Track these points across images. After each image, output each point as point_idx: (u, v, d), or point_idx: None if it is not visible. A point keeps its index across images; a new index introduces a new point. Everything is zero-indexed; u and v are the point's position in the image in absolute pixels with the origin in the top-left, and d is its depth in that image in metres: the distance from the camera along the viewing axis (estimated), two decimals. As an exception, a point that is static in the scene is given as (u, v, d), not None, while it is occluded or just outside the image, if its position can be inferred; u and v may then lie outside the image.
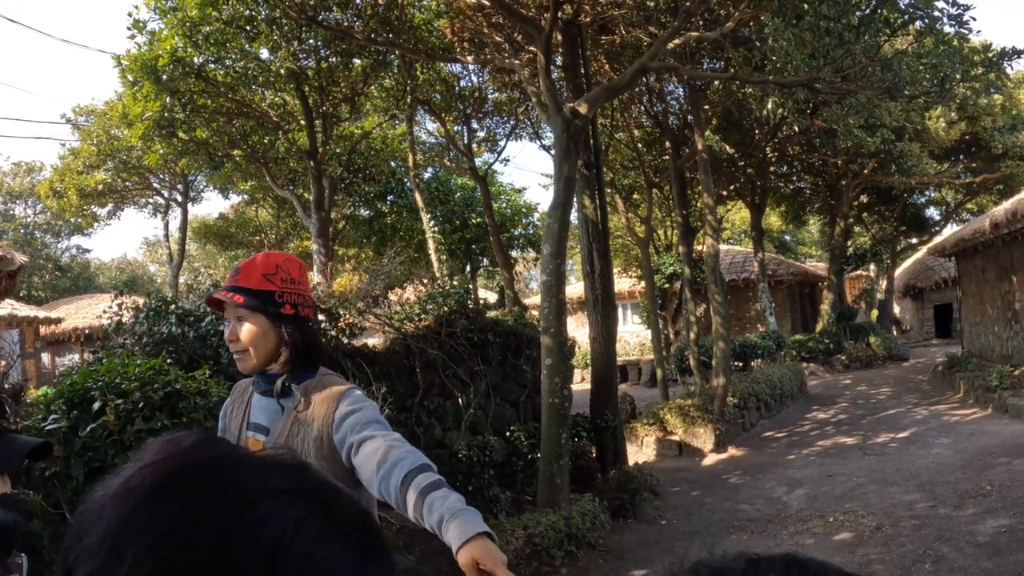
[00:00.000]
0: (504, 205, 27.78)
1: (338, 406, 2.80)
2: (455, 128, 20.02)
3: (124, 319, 8.47)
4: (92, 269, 54.60)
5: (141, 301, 8.60)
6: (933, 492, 10.21)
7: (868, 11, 10.63)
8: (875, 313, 38.34)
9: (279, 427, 2.89)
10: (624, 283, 31.33)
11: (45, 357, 24.83)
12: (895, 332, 38.71)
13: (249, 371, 2.93)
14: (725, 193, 26.32)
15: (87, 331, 24.69)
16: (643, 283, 23.73)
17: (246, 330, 2.86)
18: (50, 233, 45.58)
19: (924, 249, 36.18)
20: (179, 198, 31.43)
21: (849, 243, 33.84)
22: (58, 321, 24.63)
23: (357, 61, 16.45)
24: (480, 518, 2.21)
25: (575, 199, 11.41)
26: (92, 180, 26.56)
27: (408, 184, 23.37)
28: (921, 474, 11.33)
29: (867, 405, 19.14)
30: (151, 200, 33.18)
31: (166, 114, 14.99)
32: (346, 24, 14.41)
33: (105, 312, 8.76)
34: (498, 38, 14.19)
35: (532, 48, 12.28)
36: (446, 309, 10.73)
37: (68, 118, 28.53)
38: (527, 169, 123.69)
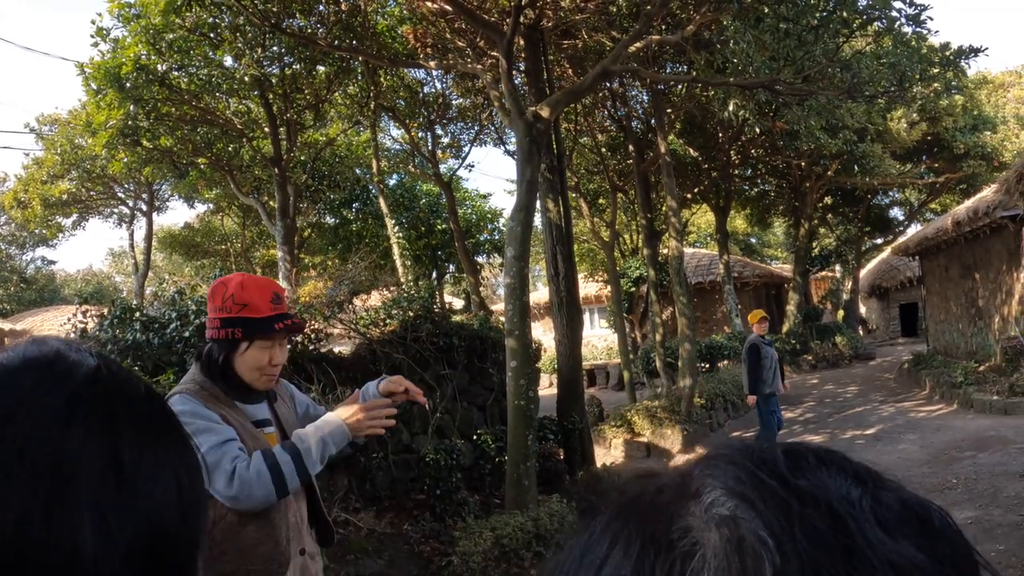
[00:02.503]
0: (469, 211, 27.76)
1: (289, 388, 3.55)
2: (419, 134, 20.00)
3: (89, 327, 8.44)
4: (57, 281, 54.10)
5: (106, 310, 8.57)
6: None
7: (827, 12, 10.73)
8: (841, 313, 38.58)
9: (278, 418, 3.31)
10: (590, 287, 31.41)
11: (10, 370, 24.55)
12: (861, 332, 39.01)
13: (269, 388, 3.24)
14: (689, 196, 26.42)
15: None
16: (609, 287, 23.80)
17: (285, 354, 3.19)
18: (15, 245, 45.09)
19: (888, 249, 36.60)
20: (144, 208, 31.23)
21: (814, 244, 34.09)
22: (23, 333, 24.40)
23: (321, 68, 16.42)
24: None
25: (539, 203, 11.45)
26: (56, 190, 26.34)
27: (373, 191, 23.29)
28: (888, 470, 11.21)
29: (834, 404, 19.26)
30: (116, 210, 32.94)
31: (130, 122, 14.91)
32: (309, 31, 14.39)
33: (70, 320, 8.72)
34: (461, 43, 14.22)
35: (495, 53, 12.32)
36: (411, 314, 10.73)
37: (32, 127, 28.34)
38: (492, 175, 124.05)
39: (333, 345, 10.88)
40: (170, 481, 0.71)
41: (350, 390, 8.56)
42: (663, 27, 13.64)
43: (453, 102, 19.31)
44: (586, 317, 26.80)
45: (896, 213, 40.54)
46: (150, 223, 31.01)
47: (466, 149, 21.79)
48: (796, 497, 0.54)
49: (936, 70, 11.90)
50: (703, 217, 41.16)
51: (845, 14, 10.70)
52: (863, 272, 41.28)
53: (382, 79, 17.14)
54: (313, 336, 9.57)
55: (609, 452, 15.07)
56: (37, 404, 0.67)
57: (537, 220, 11.53)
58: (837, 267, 40.53)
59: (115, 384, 0.75)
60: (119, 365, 0.78)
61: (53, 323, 25.75)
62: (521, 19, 11.00)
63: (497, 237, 28.11)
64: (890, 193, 36.87)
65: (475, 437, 10.89)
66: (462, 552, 7.85)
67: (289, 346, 3.56)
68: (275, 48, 15.23)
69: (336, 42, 14.01)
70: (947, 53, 11.89)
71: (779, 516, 0.52)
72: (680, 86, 17.84)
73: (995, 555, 7.29)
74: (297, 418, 3.38)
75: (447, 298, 28.21)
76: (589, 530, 0.61)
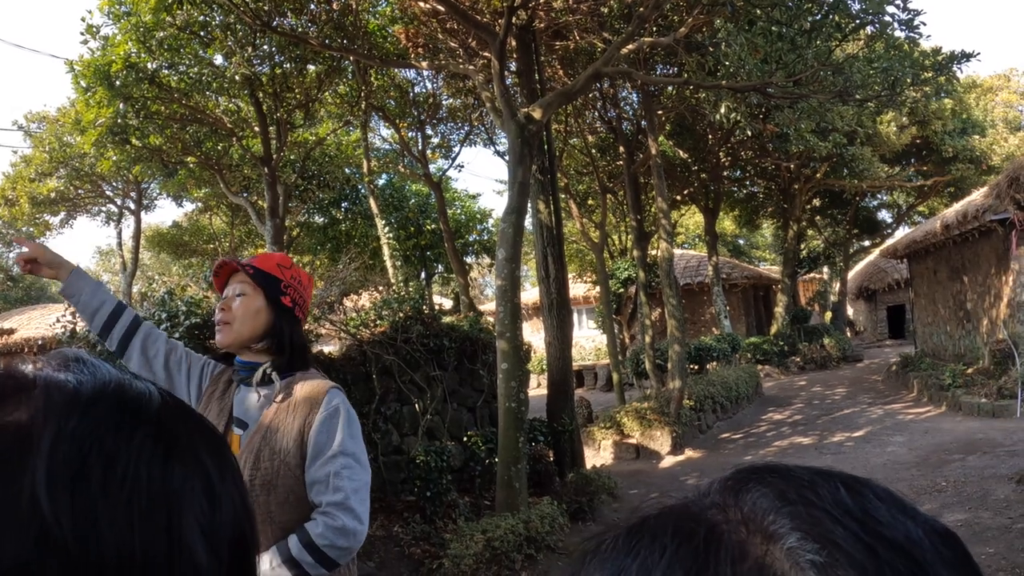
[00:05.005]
0: (459, 211, 27.77)
1: (321, 407, 2.83)
2: (409, 134, 19.98)
3: (78, 328, 8.39)
4: (45, 279, 53.80)
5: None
6: None
7: (820, 16, 10.73)
8: (829, 315, 38.70)
9: (258, 420, 2.90)
10: (579, 288, 31.46)
11: (-4, 368, 24.44)
12: (849, 333, 39.14)
13: (225, 345, 2.96)
14: (679, 198, 26.47)
15: (40, 341, 24.35)
16: (598, 288, 23.80)
17: (242, 302, 2.94)
18: (1, 242, 44.88)
19: (877, 251, 36.74)
20: (132, 206, 31.04)
21: (802, 246, 34.16)
22: (10, 332, 24.30)
23: (311, 67, 16.36)
24: None
25: (530, 204, 11.44)
26: (44, 188, 26.19)
27: (363, 191, 23.27)
28: (877, 472, 11.45)
29: (822, 406, 19.31)
30: (104, 208, 32.73)
31: (119, 120, 14.84)
32: (300, 30, 14.35)
33: (59, 321, 8.66)
34: (452, 44, 14.20)
35: (486, 54, 12.31)
36: (401, 315, 10.71)
37: (20, 125, 28.13)
38: (481, 175, 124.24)
39: (323, 345, 10.87)
40: (238, 492, 0.76)
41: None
42: (655, 29, 13.65)
43: (443, 102, 19.28)
44: (575, 318, 26.82)
45: (884, 216, 40.73)
46: (138, 222, 30.86)
47: (456, 149, 21.80)
48: (878, 541, 0.54)
49: (928, 74, 11.91)
50: (692, 218, 41.24)
51: (838, 18, 10.71)
52: (851, 274, 41.46)
53: (373, 79, 17.11)
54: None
55: (598, 453, 15.07)
56: (134, 438, 0.70)
57: (528, 222, 11.52)
58: (825, 269, 40.69)
59: (183, 410, 0.78)
60: (164, 388, 0.80)
61: (40, 322, 25.63)
62: (513, 20, 10.99)
63: (486, 237, 28.13)
64: (878, 196, 37.03)
65: (465, 439, 10.89)
66: (453, 555, 7.84)
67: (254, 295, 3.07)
68: (266, 47, 15.17)
69: (327, 41, 13.97)
70: (939, 58, 11.92)
71: (870, 562, 0.52)
72: (671, 88, 17.86)
73: (985, 558, 7.32)
74: (302, 441, 2.79)
75: (436, 298, 28.17)
76: (638, 554, 0.59)
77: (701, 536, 0.57)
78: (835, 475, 0.62)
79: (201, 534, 0.68)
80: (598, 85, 17.10)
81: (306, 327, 9.44)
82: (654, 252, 21.86)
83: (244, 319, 2.92)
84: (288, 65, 15.83)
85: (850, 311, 44.79)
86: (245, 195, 20.81)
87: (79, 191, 28.82)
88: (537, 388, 23.94)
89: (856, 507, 0.57)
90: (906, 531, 0.56)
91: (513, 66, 13.24)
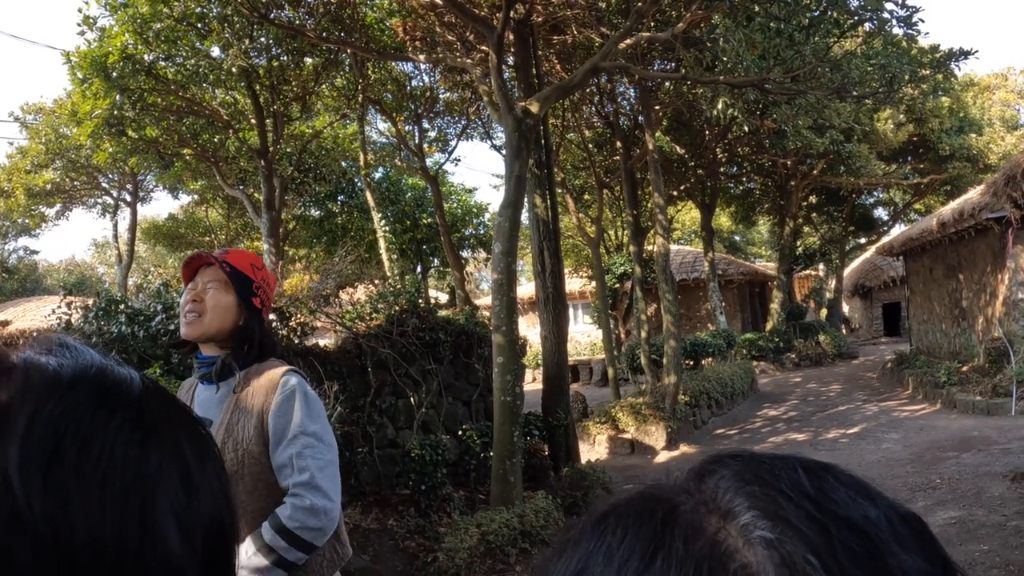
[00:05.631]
0: (455, 205, 27.72)
1: (277, 391, 2.84)
2: (406, 128, 19.95)
3: (73, 320, 8.38)
4: (40, 271, 53.75)
5: (91, 301, 8.50)
6: (884, 486, 10.02)
7: (818, 12, 10.73)
8: (824, 312, 38.74)
9: (220, 415, 2.89)
10: (575, 283, 31.45)
11: (-9, 360, 24.37)
12: (844, 331, 39.18)
13: (193, 337, 2.92)
14: (675, 193, 26.47)
15: (35, 333, 24.32)
16: (594, 283, 23.85)
17: (214, 296, 2.92)
18: (-3, 235, 44.82)
19: (872, 249, 36.81)
20: (128, 198, 30.98)
21: (798, 243, 34.19)
22: (5, 324, 24.18)
23: (308, 60, 16.34)
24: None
25: (526, 198, 11.42)
26: (40, 179, 26.12)
27: (359, 184, 23.23)
28: (872, 468, 11.47)
29: (817, 402, 19.34)
30: (100, 200, 32.69)
31: (116, 112, 14.78)
32: (298, 22, 14.33)
33: (54, 312, 8.64)
34: (450, 37, 14.18)
35: (484, 47, 12.30)
36: (397, 308, 10.70)
37: (16, 116, 28.04)
38: (478, 169, 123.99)
39: (318, 338, 10.85)
40: (217, 481, 0.75)
41: (337, 384, 8.56)
42: (653, 24, 13.64)
43: (440, 96, 19.27)
44: (570, 313, 26.81)
45: (880, 213, 40.80)
46: (134, 214, 30.78)
47: (452, 143, 21.78)
48: (832, 519, 0.55)
49: (926, 72, 11.92)
50: (688, 214, 41.25)
51: (837, 15, 10.71)
52: (847, 271, 41.46)
53: (370, 72, 17.09)
54: (299, 329, 9.53)
55: (593, 448, 15.07)
56: (111, 422, 0.69)
57: (524, 216, 11.51)
58: (821, 266, 40.72)
59: (164, 396, 0.78)
60: (146, 374, 0.79)
61: (35, 313, 25.53)
62: (511, 13, 10.98)
63: (482, 231, 28.09)
64: (875, 193, 37.09)
65: (460, 432, 10.88)
66: (448, 548, 7.84)
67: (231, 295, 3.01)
68: (263, 39, 15.13)
69: (324, 34, 13.95)
70: (937, 55, 11.92)
71: (820, 539, 0.53)
72: (668, 83, 17.85)
73: (979, 555, 7.32)
74: (262, 429, 2.81)
75: (432, 292, 28.19)
76: (604, 538, 0.60)
77: (659, 516, 0.58)
78: (796, 459, 0.63)
79: (176, 522, 0.68)
80: (595, 80, 17.08)
81: (302, 320, 9.45)
82: (650, 247, 21.93)
83: (215, 313, 2.91)
84: (285, 57, 15.81)
85: (846, 308, 44.83)
86: (241, 188, 20.78)
87: (75, 183, 28.79)
88: (532, 383, 23.93)
89: (813, 488, 0.58)
90: (863, 512, 0.57)
91: (511, 60, 13.24)
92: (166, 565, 0.66)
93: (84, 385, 0.71)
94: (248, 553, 2.65)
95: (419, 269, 27.05)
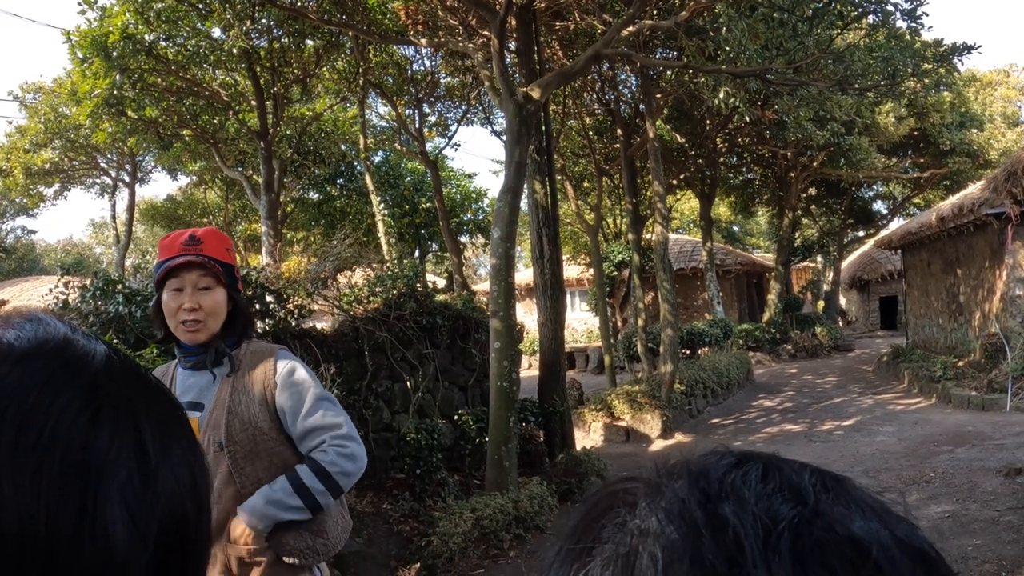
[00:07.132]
0: (454, 190, 27.72)
1: (276, 368, 2.91)
2: (406, 112, 19.93)
3: (70, 299, 8.35)
4: (37, 251, 53.68)
5: (88, 282, 8.47)
6: (878, 478, 10.35)
7: (822, 4, 10.71)
8: (821, 304, 38.80)
9: (213, 398, 2.89)
10: (573, 270, 31.46)
11: (-13, 339, 24.35)
12: (841, 323, 39.22)
13: (200, 343, 2.89)
14: (675, 182, 26.45)
15: (11, 309, 24.24)
16: (592, 270, 23.80)
17: (212, 300, 2.87)
18: (-5, 214, 44.70)
19: (871, 242, 36.82)
20: (127, 178, 30.89)
21: (797, 235, 34.20)
22: (2, 303, 24.22)
23: (310, 42, 16.31)
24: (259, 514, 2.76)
25: (526, 184, 11.40)
26: (39, 159, 26.03)
27: (358, 167, 23.21)
28: (866, 461, 11.48)
29: (813, 394, 19.36)
30: (98, 180, 32.59)
31: (115, 92, 14.75)
32: (299, 4, 14.30)
33: (51, 292, 8.61)
34: (452, 21, 14.16)
35: (486, 32, 12.27)
36: (395, 292, 10.68)
37: (15, 95, 27.91)
38: (477, 155, 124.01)
39: (315, 321, 10.84)
40: (185, 470, 0.71)
41: (333, 367, 8.55)
42: (656, 12, 13.61)
43: (441, 80, 19.25)
44: (568, 300, 26.84)
45: (879, 207, 40.78)
46: (132, 194, 30.69)
47: (453, 128, 21.77)
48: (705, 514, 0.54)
49: (929, 65, 11.89)
50: (687, 203, 41.21)
51: (840, 6, 10.69)
52: (844, 264, 41.50)
53: (371, 55, 17.06)
54: (296, 312, 9.51)
55: (589, 435, 15.08)
56: (59, 397, 0.65)
57: (523, 202, 11.50)
58: (819, 258, 40.74)
59: (130, 373, 0.73)
60: (120, 351, 0.75)
61: (32, 293, 25.52)
62: (514, -1, 10.95)
63: (481, 217, 28.11)
64: (874, 186, 37.11)
65: (456, 417, 10.88)
66: (442, 532, 7.84)
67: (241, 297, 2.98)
68: (264, 20, 15.11)
69: (326, 16, 13.91)
70: (940, 49, 11.88)
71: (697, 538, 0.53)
72: (670, 72, 17.81)
73: (971, 549, 7.33)
74: (267, 404, 2.89)
75: (430, 277, 28.18)
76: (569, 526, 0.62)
77: (601, 508, 0.60)
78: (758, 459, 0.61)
79: (125, 509, 0.63)
80: (597, 67, 17.07)
81: (299, 302, 9.44)
82: (649, 236, 21.91)
83: (215, 315, 2.89)
84: (286, 39, 15.79)
85: (843, 301, 44.88)
86: (240, 169, 20.78)
87: (74, 162, 28.70)
88: (528, 369, 23.94)
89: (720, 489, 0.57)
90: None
91: (512, 46, 13.20)
92: (107, 559, 0.62)
93: (37, 358, 0.67)
94: (267, 500, 2.75)
95: (417, 253, 27.06)
